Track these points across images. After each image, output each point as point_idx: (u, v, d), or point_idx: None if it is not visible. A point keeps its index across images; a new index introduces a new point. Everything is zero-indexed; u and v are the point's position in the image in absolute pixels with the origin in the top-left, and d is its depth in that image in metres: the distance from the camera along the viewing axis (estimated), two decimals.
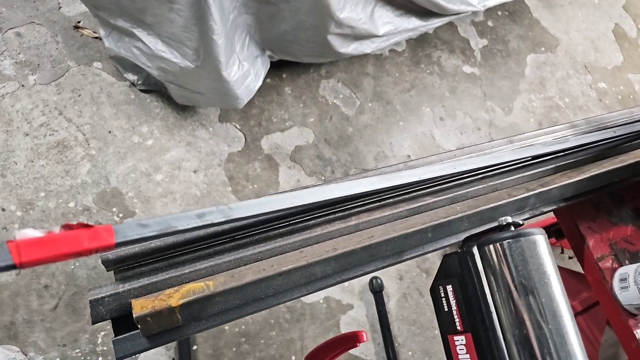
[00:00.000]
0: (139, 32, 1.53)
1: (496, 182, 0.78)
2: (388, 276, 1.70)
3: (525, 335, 0.40)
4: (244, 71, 1.57)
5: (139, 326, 0.53)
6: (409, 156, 1.96)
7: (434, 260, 1.80)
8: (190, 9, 1.33)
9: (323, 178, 1.83)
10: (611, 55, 2.48)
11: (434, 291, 0.49)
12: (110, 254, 0.55)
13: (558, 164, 0.83)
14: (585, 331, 1.63)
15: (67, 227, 0.40)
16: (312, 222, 0.68)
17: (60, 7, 1.89)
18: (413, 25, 1.86)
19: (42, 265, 0.38)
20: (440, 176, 0.74)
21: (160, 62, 1.55)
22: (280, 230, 0.66)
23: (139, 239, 0.45)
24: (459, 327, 0.46)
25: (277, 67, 1.94)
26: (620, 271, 0.82)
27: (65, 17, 1.88)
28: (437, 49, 2.23)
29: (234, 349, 1.45)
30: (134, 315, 0.52)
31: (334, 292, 1.62)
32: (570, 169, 0.83)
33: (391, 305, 1.66)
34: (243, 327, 1.49)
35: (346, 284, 1.64)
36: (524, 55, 2.33)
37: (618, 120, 0.92)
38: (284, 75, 1.97)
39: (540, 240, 0.42)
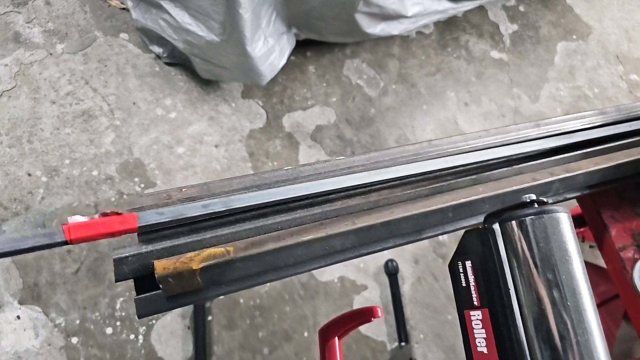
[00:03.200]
0: (166, 4, 1.54)
1: (520, 165, 0.77)
2: (404, 259, 1.70)
3: (543, 311, 0.40)
4: (269, 47, 1.57)
5: (161, 286, 0.54)
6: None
7: (450, 246, 1.79)
8: None
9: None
10: None
11: (452, 267, 0.50)
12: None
13: (584, 151, 0.81)
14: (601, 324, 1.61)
15: (104, 214, 0.53)
16: (332, 196, 0.68)
17: None
18: (443, 7, 1.82)
19: (86, 242, 0.52)
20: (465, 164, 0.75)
21: (186, 35, 1.55)
22: (301, 202, 0.66)
23: (156, 223, 0.56)
24: (476, 303, 0.46)
25: (302, 45, 1.93)
26: None
27: None
28: (466, 33, 2.19)
29: (248, 321, 1.48)
30: (156, 275, 0.54)
31: (348, 272, 1.63)
32: (598, 156, 0.81)
33: (405, 288, 1.67)
34: (258, 300, 1.51)
35: (361, 264, 1.65)
36: (555, 43, 2.27)
37: None
38: (308, 54, 1.96)
39: (564, 218, 0.42)
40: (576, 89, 2.20)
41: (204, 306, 1.43)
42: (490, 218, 0.46)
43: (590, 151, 0.81)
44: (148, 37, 1.78)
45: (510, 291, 0.42)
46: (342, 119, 1.89)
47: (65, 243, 0.50)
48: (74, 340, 1.33)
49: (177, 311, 1.44)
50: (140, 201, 0.58)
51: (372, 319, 0.73)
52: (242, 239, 0.61)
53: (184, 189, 0.60)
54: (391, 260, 1.65)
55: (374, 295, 1.63)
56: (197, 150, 1.68)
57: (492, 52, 2.16)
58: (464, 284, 0.48)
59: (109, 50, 1.77)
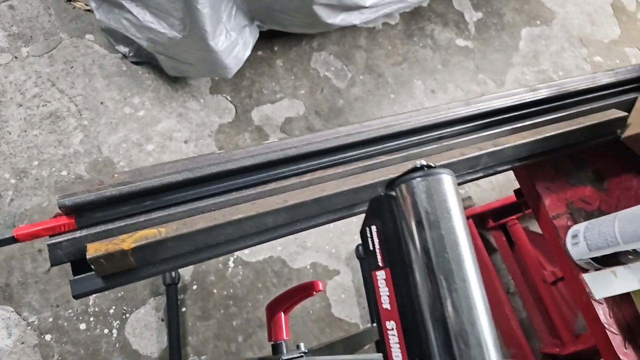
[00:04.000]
0: (127, 4, 1.55)
1: (451, 142, 0.80)
2: None
3: (427, 264, 0.43)
4: (232, 41, 1.59)
5: (93, 267, 0.57)
6: None
7: None
8: None
9: None
10: (608, 29, 2.45)
11: (362, 233, 0.53)
12: (67, 201, 0.59)
13: (514, 126, 0.85)
14: (566, 297, 1.66)
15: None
16: (266, 177, 0.71)
17: None
18: None
19: (31, 239, 0.61)
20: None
21: (148, 32, 1.57)
22: (236, 181, 0.69)
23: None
24: (380, 264, 0.49)
25: (269, 40, 1.96)
26: (573, 228, 0.85)
27: None
28: (431, 22, 2.23)
29: (222, 310, 1.51)
30: (87, 257, 0.56)
31: (321, 258, 1.66)
32: (527, 130, 0.85)
33: None
34: (231, 290, 1.55)
35: (333, 250, 1.68)
36: (519, 29, 2.31)
37: (579, 85, 0.93)
38: (275, 48, 1.99)
39: (446, 179, 0.45)
40: (541, 73, 2.25)
41: (177, 298, 1.46)
42: (389, 184, 0.49)
43: (520, 126, 0.85)
44: (113, 37, 1.79)
45: (405, 249, 0.46)
46: (311, 111, 1.93)
47: (13, 239, 0.61)
48: (48, 337, 1.35)
49: (151, 304, 1.47)
50: (73, 188, 0.61)
51: (314, 292, 0.77)
52: (176, 220, 0.64)
53: (116, 175, 0.63)
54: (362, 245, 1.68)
55: (346, 279, 1.67)
56: (166, 147, 1.71)
57: (457, 40, 2.20)
58: (371, 248, 0.51)
59: (75, 51, 1.78)
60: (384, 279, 0.49)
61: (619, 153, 0.96)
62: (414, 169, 0.47)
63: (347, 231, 1.73)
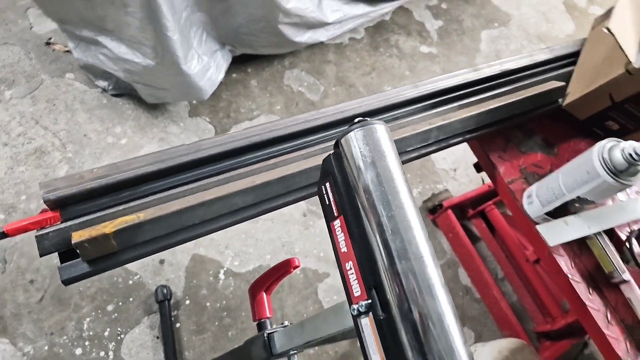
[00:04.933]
0: (102, 39, 1.64)
1: (402, 120, 0.87)
2: None
3: (369, 199, 0.49)
4: (204, 64, 1.68)
5: (78, 251, 0.63)
6: None
7: None
8: (143, 10, 1.44)
9: None
10: (562, 25, 2.58)
11: (319, 191, 0.59)
12: (51, 195, 0.65)
13: (461, 103, 0.92)
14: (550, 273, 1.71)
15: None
16: (234, 164, 0.77)
17: (31, 27, 2.01)
18: (362, 11, 1.96)
19: (19, 234, 0.64)
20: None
21: (124, 64, 1.65)
22: (206, 169, 0.75)
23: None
24: (335, 214, 0.55)
25: (242, 63, 2.05)
26: (527, 190, 0.92)
27: (37, 35, 2.00)
28: (395, 34, 2.34)
29: (217, 323, 1.54)
30: (72, 242, 0.62)
31: (310, 262, 1.71)
32: (473, 105, 0.92)
33: None
34: (224, 302, 1.58)
35: (321, 254, 1.73)
36: (478, 32, 2.44)
37: (518, 63, 1.01)
38: (249, 70, 2.08)
39: (379, 128, 0.52)
40: None
41: (170, 314, 1.49)
42: (336, 144, 0.55)
43: (466, 102, 0.92)
44: (92, 73, 1.87)
45: (353, 194, 0.52)
46: None
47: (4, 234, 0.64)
48: None
49: (146, 323, 1.49)
50: (56, 183, 0.66)
51: (292, 269, 0.82)
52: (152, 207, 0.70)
53: (95, 170, 0.69)
54: None
55: (336, 281, 1.71)
56: None
57: (421, 47, 2.31)
58: (327, 202, 0.57)
59: (56, 90, 1.86)
60: (340, 226, 0.55)
61: (565, 121, 1.04)
62: (352, 124, 0.54)
63: None
